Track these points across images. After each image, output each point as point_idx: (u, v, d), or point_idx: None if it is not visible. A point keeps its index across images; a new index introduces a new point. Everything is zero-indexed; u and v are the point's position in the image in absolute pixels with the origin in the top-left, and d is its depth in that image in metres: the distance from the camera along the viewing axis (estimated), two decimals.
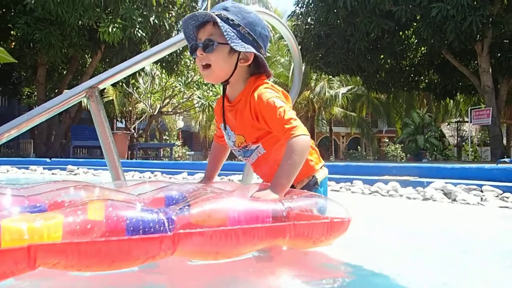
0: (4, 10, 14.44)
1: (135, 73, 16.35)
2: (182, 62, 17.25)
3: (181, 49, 14.44)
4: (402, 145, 18.20)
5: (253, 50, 1.58)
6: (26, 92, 21.54)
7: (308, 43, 15.42)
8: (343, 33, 14.06)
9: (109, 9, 13.03)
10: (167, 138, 25.48)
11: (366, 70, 15.81)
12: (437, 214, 2.88)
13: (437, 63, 16.49)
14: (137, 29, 12.61)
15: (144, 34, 12.85)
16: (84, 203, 1.06)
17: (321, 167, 1.77)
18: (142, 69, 17.63)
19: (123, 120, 24.19)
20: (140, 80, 20.66)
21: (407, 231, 2.16)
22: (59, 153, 15.94)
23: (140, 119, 23.97)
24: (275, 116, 1.52)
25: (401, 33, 15.04)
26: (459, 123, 27.86)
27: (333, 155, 29.06)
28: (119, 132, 18.05)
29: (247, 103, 1.62)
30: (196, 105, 20.42)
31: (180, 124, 26.93)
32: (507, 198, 3.36)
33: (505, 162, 6.50)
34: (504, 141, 21.76)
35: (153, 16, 13.29)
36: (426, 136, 14.86)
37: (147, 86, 21.49)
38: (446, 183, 3.83)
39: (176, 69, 16.59)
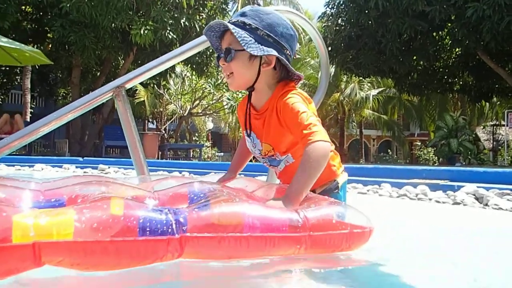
0: (41, 13, 14.96)
1: (166, 74, 16.62)
2: (212, 64, 17.40)
3: (210, 51, 14.57)
4: (435, 148, 17.76)
5: (273, 53, 1.53)
6: (61, 93, 22.23)
7: (339, 44, 15.28)
8: (374, 34, 13.85)
9: (141, 12, 13.28)
10: (197, 139, 25.73)
11: (397, 72, 15.52)
12: (466, 218, 2.79)
13: (472, 65, 16.02)
14: (168, 31, 12.80)
15: (175, 36, 13.02)
16: (96, 200, 1.06)
17: (341, 172, 1.77)
18: (173, 71, 17.88)
19: (154, 121, 24.59)
20: (171, 82, 20.96)
21: (430, 233, 2.09)
22: (92, 153, 16.35)
23: (171, 120, 24.30)
24: (296, 121, 1.48)
25: (434, 34, 14.69)
26: (495, 127, 26.95)
27: (363, 158, 28.66)
28: (149, 133, 18.37)
29: (274, 110, 1.59)
30: (226, 107, 20.56)
31: (210, 125, 27.15)
32: None
33: None
34: None
35: (184, 18, 13.44)
36: (459, 140, 14.44)
37: (178, 87, 21.77)
38: (478, 187, 3.71)
39: (206, 70, 16.74)
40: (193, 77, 20.09)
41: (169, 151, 17.61)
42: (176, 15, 13.31)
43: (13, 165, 8.04)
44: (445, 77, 17.50)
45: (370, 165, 7.61)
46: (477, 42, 12.23)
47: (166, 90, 21.14)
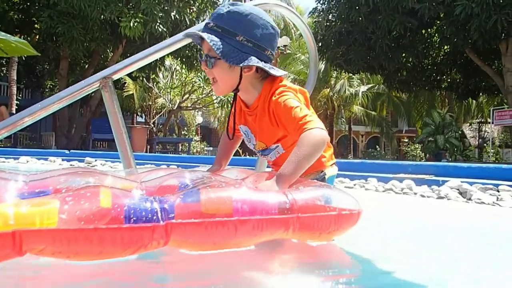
0: (28, 3, 14.77)
1: (155, 68, 16.52)
2: None
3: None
4: (422, 145, 17.95)
5: (253, 62, 1.50)
6: (48, 85, 21.98)
7: (329, 40, 15.32)
8: (365, 30, 13.92)
9: (130, 4, 13.18)
10: (186, 133, 25.63)
11: (387, 69, 15.63)
12: (448, 212, 2.84)
13: (460, 62, 16.20)
14: (158, 24, 12.73)
15: (164, 29, 12.95)
16: (80, 189, 1.05)
17: (331, 165, 1.74)
18: (162, 64, 17.77)
19: (143, 114, 24.45)
20: (160, 75, 20.86)
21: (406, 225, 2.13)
22: (80, 146, 16.23)
23: (160, 114, 24.19)
24: (291, 116, 1.46)
25: (423, 31, 14.81)
26: (481, 124, 27.30)
27: (352, 154, 28.80)
28: (138, 126, 18.27)
29: (265, 109, 1.59)
30: (215, 101, 20.51)
31: (199, 119, 27.07)
32: None
33: None
34: None
35: (174, 11, 13.37)
36: (446, 136, 14.63)
37: (167, 81, 21.66)
38: (462, 182, 3.76)
39: (195, 64, 16.69)
40: (183, 70, 20.00)
41: (157, 145, 17.55)
42: (166, 8, 13.23)
43: None
44: (433, 74, 17.66)
45: (357, 160, 7.66)
46: (465, 40, 12.35)
47: (155, 83, 21.01)
